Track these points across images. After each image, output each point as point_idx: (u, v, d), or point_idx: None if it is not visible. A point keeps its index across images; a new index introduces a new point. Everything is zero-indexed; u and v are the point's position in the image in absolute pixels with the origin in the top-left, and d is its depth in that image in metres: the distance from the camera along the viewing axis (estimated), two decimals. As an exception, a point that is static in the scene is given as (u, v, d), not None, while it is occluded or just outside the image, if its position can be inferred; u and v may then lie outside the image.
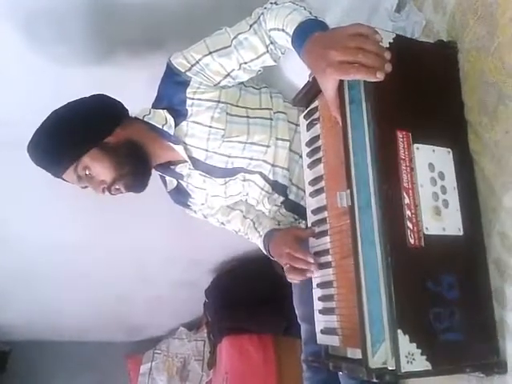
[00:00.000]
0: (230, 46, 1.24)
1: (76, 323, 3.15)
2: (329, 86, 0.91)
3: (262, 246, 1.37)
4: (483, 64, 0.92)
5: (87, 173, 1.30)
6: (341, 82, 0.91)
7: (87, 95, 1.37)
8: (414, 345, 0.83)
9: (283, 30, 1.09)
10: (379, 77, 0.82)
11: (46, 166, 1.31)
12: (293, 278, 1.22)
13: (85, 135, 1.29)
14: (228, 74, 1.28)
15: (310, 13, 1.06)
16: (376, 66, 0.82)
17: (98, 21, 1.52)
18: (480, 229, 0.94)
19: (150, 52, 1.61)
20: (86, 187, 1.34)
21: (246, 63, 1.25)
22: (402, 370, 0.81)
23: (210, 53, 1.25)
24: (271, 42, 1.19)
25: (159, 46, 1.38)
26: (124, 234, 2.47)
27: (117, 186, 1.32)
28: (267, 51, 1.21)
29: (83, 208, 2.16)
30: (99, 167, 1.29)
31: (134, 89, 1.45)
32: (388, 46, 0.92)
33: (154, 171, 1.47)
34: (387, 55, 0.84)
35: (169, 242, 2.56)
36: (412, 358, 0.82)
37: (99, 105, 1.35)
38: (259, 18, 1.20)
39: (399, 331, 0.82)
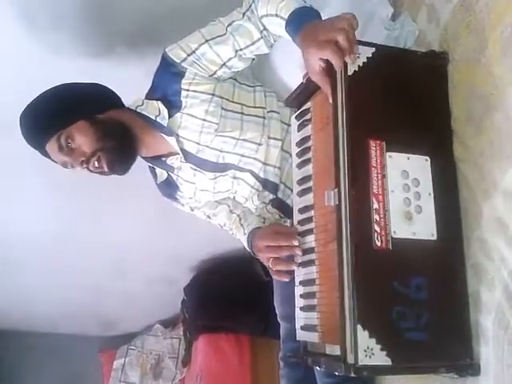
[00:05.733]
0: (225, 33, 1.27)
1: (49, 314, 3.09)
2: (311, 62, 0.98)
3: (246, 244, 1.39)
4: (472, 76, 0.95)
5: (69, 143, 1.28)
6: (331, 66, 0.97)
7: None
8: (374, 340, 0.86)
9: (276, 15, 1.14)
10: (340, 65, 0.94)
11: (32, 133, 1.31)
12: (279, 273, 1.19)
13: (75, 107, 1.30)
14: (224, 64, 1.31)
15: (304, 1, 1.12)
16: (346, 50, 0.93)
17: (96, 11, 1.53)
18: (459, 234, 0.97)
19: (147, 45, 1.61)
20: (65, 163, 1.31)
21: (241, 50, 1.28)
22: (360, 363, 0.84)
23: (207, 41, 1.28)
24: (264, 29, 1.24)
25: (156, 39, 1.39)
26: (104, 225, 2.45)
27: (96, 161, 1.29)
28: (261, 37, 1.25)
29: (63, 196, 2.14)
30: (83, 138, 1.27)
31: (129, 82, 1.45)
32: (366, 60, 0.98)
33: (142, 162, 1.48)
34: (356, 49, 0.96)
35: (150, 236, 2.54)
36: (371, 352, 0.86)
37: (95, 87, 1.39)
38: (250, 6, 1.24)
39: (359, 326, 0.86)
